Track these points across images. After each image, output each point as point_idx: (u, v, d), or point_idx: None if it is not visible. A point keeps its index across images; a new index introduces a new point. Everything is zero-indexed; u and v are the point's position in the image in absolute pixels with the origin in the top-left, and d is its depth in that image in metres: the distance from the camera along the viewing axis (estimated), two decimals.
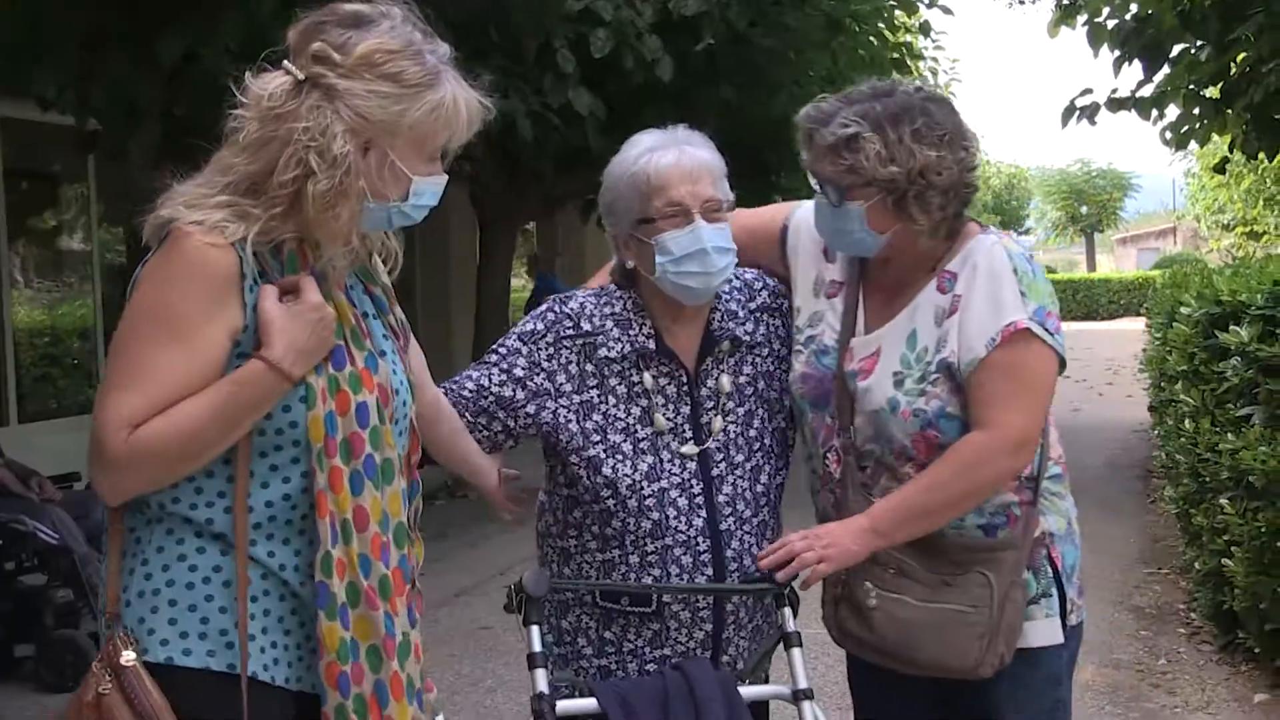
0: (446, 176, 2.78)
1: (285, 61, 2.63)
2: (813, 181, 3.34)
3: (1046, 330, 3.23)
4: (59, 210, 13.87)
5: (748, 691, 3.21)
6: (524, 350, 3.38)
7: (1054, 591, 3.36)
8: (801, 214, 3.55)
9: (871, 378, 3.29)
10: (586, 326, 3.38)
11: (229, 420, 2.54)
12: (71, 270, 13.74)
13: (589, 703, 3.08)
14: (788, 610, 3.23)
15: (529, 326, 3.41)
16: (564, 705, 3.07)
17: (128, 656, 2.58)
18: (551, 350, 3.37)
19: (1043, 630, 3.34)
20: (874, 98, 3.26)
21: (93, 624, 7.58)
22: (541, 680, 3.03)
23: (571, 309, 3.41)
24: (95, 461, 2.56)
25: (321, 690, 2.60)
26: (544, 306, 3.44)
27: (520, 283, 21.49)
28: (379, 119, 2.60)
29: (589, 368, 3.37)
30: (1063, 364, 3.31)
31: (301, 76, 2.60)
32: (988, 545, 3.26)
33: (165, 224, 2.60)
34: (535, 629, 3.09)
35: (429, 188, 2.74)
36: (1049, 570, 3.35)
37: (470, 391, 3.37)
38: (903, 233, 3.27)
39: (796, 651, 3.20)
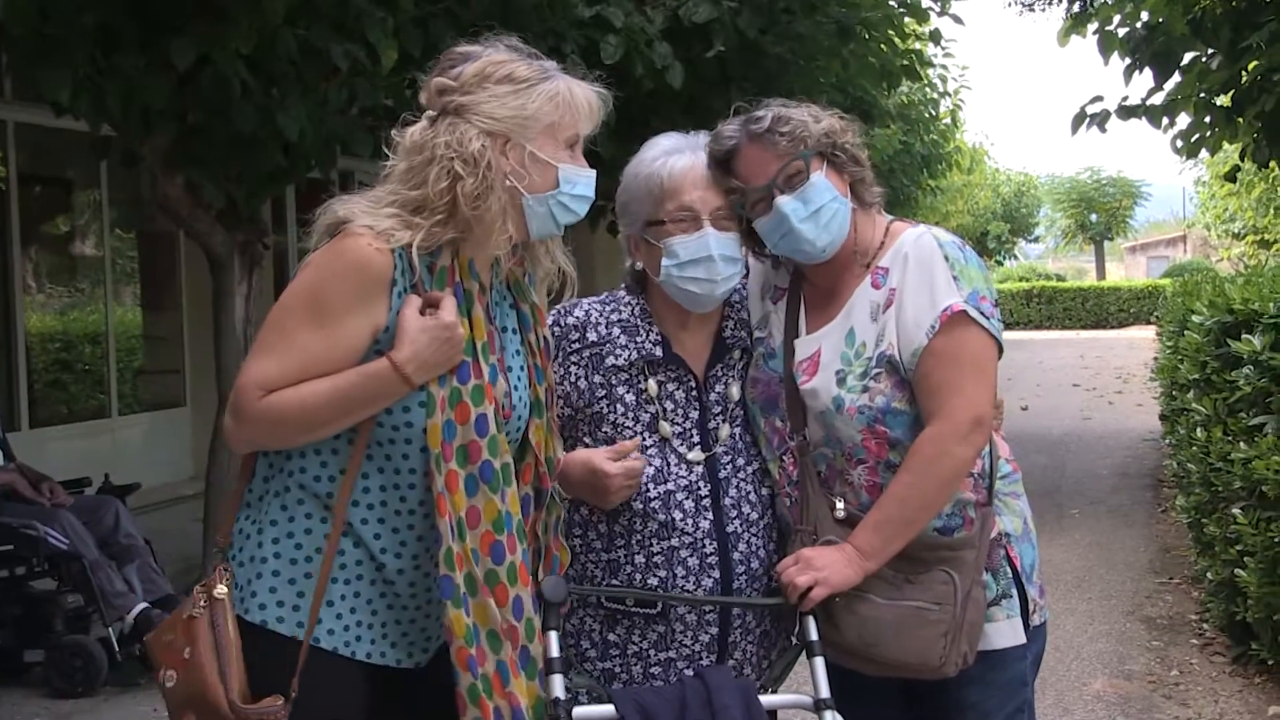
0: (594, 170, 3.04)
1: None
2: (760, 220, 3.34)
3: (982, 314, 3.26)
4: (72, 216, 13.91)
5: (769, 700, 3.21)
6: None
7: (1014, 592, 3.41)
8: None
9: (815, 379, 3.33)
10: (592, 336, 3.39)
11: (348, 406, 2.84)
12: (84, 276, 13.77)
13: (606, 709, 3.08)
14: (810, 620, 3.23)
15: None
16: (581, 711, 3.07)
17: (220, 590, 2.89)
18: (562, 370, 3.39)
19: (1005, 631, 3.38)
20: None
21: (102, 630, 7.59)
22: (558, 686, 3.03)
23: (576, 319, 3.42)
24: (230, 412, 2.88)
25: (455, 673, 2.86)
26: (549, 320, 3.43)
27: None
28: (505, 115, 2.91)
29: (597, 379, 3.38)
30: (1000, 349, 3.33)
31: (435, 114, 2.93)
32: (947, 544, 3.29)
33: (339, 222, 2.89)
34: (553, 634, 3.08)
35: (580, 177, 3.02)
36: (1008, 571, 3.40)
37: None
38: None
39: (819, 660, 3.20)
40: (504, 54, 2.97)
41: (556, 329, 3.41)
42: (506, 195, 2.91)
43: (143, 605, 7.63)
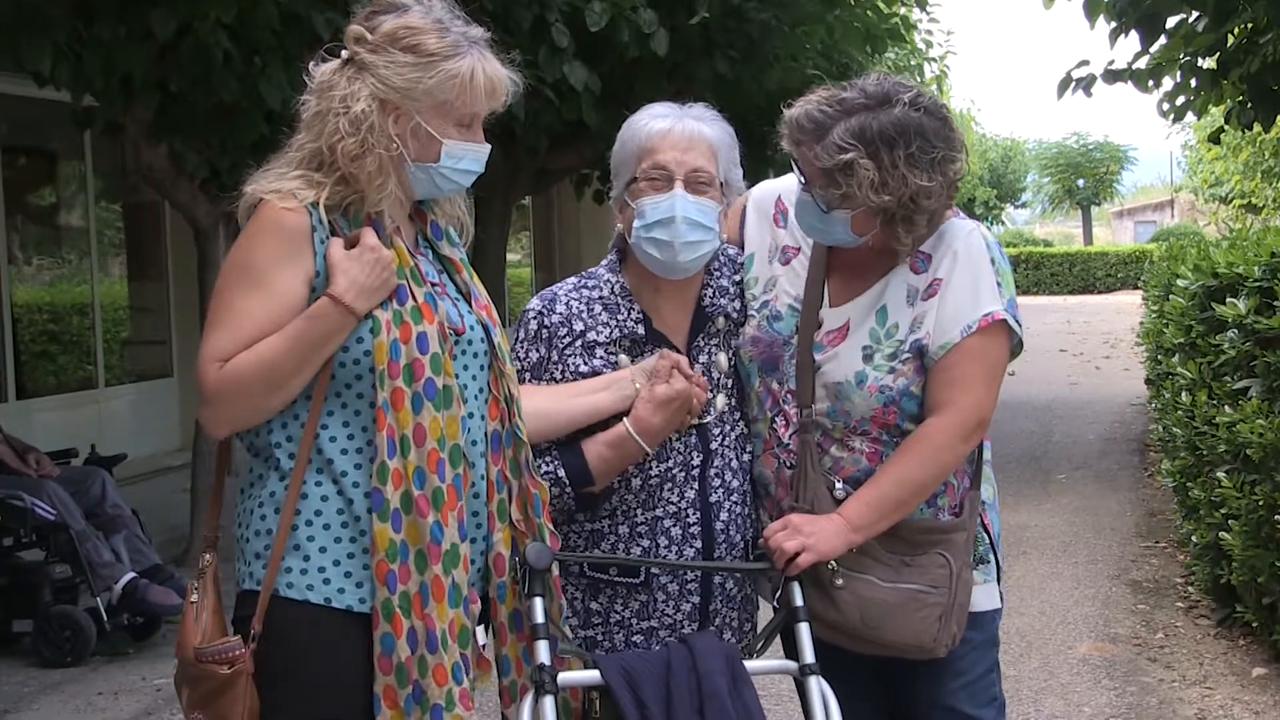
0: (489, 146, 3.09)
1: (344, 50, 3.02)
2: (795, 171, 3.34)
3: (1017, 322, 3.32)
4: (57, 187, 13.86)
5: (754, 665, 3.22)
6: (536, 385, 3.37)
7: (991, 558, 3.45)
8: (758, 194, 3.59)
9: (839, 349, 3.34)
10: (579, 326, 3.38)
11: (303, 351, 2.89)
12: (70, 247, 13.73)
13: (591, 675, 3.09)
14: (795, 586, 3.24)
15: (532, 357, 3.38)
16: (566, 677, 3.08)
17: (206, 561, 3.04)
18: (560, 368, 3.36)
19: (982, 595, 3.42)
20: (870, 109, 3.22)
21: (91, 600, 7.60)
22: (543, 651, 3.04)
23: (560, 315, 3.39)
24: (200, 396, 2.93)
25: (370, 586, 2.91)
26: (533, 324, 3.41)
27: (515, 257, 21.50)
28: (398, 85, 2.94)
29: (597, 362, 3.36)
30: (1019, 348, 3.39)
31: (346, 57, 2.99)
32: (941, 527, 3.32)
33: (252, 200, 2.96)
34: (538, 600, 3.09)
35: (466, 152, 3.05)
36: (985, 537, 3.44)
37: None
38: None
39: (804, 627, 3.21)
40: (425, 19, 2.98)
41: (545, 331, 3.38)
42: (389, 159, 2.95)
43: (130, 575, 7.64)
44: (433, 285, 3.04)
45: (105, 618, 7.55)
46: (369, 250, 2.91)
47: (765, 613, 3.46)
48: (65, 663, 7.48)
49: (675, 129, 3.32)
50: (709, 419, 3.37)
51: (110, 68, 7.78)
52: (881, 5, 13.43)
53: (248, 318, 2.89)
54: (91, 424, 12.53)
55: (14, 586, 7.78)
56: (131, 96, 8.29)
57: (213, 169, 9.03)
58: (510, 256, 17.63)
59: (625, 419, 3.26)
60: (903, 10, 16.11)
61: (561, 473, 3.27)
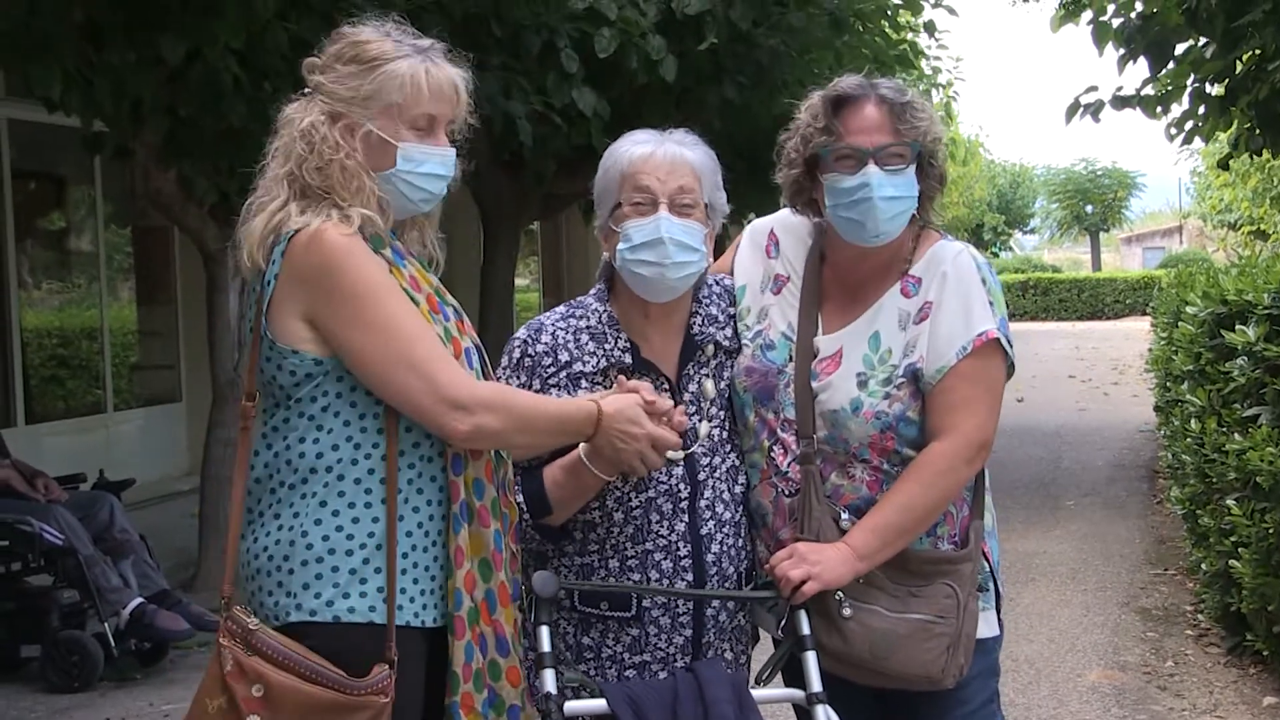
0: (452, 149, 3.07)
1: None
2: (838, 176, 3.32)
3: (1009, 342, 3.33)
4: (66, 212, 13.90)
5: (760, 694, 3.21)
6: None
7: (990, 586, 3.44)
8: (751, 229, 3.62)
9: (834, 377, 3.33)
10: (565, 357, 3.35)
11: (544, 442, 3.16)
12: (79, 272, 13.77)
13: (598, 703, 3.08)
14: (802, 615, 3.22)
15: (512, 384, 3.34)
16: (572, 705, 3.07)
17: (254, 622, 2.89)
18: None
19: (982, 623, 3.39)
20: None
21: (98, 625, 7.58)
22: (549, 680, 3.03)
23: (545, 345, 3.36)
24: (462, 405, 2.90)
25: (422, 599, 2.95)
26: (517, 352, 3.38)
27: (524, 282, 21.51)
28: (344, 95, 2.98)
29: (580, 394, 3.33)
30: (1010, 370, 3.39)
31: (307, 90, 3.04)
32: (948, 558, 3.32)
33: (276, 227, 2.94)
34: (545, 629, 3.09)
35: (425, 156, 3.04)
36: (985, 565, 3.42)
37: None
38: None
39: (811, 655, 3.20)
40: (370, 34, 3.02)
41: (528, 359, 3.35)
42: (352, 165, 2.96)
43: (138, 600, 7.63)
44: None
45: (113, 643, 7.53)
46: (649, 443, 3.12)
47: (762, 644, 3.45)
48: (73, 688, 7.47)
49: (657, 153, 3.33)
50: (694, 448, 3.35)
51: (120, 93, 7.80)
52: (890, 31, 13.44)
53: (418, 322, 2.93)
54: (100, 449, 12.53)
55: (22, 611, 7.77)
56: (141, 121, 8.32)
57: (221, 193, 9.05)
58: (518, 281, 17.64)
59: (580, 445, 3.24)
60: (911, 36, 16.13)
61: (519, 499, 3.25)
